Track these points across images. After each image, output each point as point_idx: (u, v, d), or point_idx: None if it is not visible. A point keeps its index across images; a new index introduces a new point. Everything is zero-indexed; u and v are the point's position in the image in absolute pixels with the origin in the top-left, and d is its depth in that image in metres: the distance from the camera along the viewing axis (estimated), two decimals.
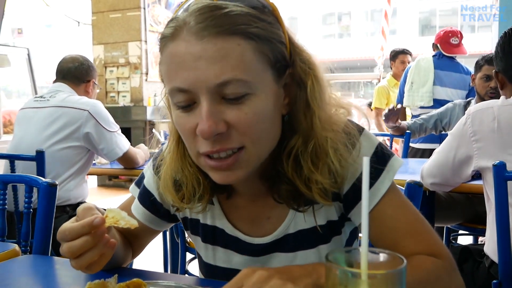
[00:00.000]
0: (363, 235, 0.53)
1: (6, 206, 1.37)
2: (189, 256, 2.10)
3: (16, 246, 1.04)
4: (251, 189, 0.83)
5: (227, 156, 0.70)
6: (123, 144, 2.26)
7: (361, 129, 0.80)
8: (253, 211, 0.85)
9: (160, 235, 2.48)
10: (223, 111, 0.68)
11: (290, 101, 0.76)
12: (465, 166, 1.56)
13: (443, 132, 2.73)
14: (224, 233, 0.87)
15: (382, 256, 0.55)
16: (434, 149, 1.77)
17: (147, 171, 0.92)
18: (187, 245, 2.07)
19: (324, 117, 0.75)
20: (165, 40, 0.71)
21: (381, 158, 0.78)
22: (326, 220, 0.82)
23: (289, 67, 0.74)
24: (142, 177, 0.94)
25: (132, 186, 0.96)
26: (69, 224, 0.72)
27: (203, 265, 0.93)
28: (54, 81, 2.36)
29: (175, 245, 2.11)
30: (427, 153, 3.12)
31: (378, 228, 0.77)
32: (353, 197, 0.79)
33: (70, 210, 2.14)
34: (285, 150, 0.76)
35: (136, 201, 0.93)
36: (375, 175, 0.77)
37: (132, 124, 5.87)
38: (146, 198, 0.91)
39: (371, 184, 0.76)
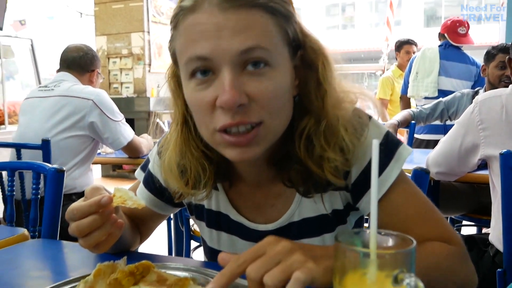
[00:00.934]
0: (372, 215, 0.53)
1: (14, 193, 1.38)
2: (193, 244, 2.12)
3: (25, 231, 1.05)
4: (257, 175, 0.83)
5: (246, 131, 0.69)
6: (127, 133, 2.26)
7: (369, 117, 0.80)
8: (258, 198, 0.85)
9: (165, 223, 2.49)
10: (245, 83, 0.68)
11: (300, 83, 0.76)
12: (472, 155, 1.56)
13: (448, 123, 2.72)
14: (229, 218, 0.87)
15: (391, 238, 0.56)
16: (438, 140, 1.77)
17: (152, 155, 0.93)
18: (191, 233, 2.08)
19: (335, 96, 0.75)
20: (184, 12, 0.69)
21: (389, 147, 0.78)
22: (332, 208, 0.82)
23: (301, 49, 0.75)
24: (148, 161, 0.94)
25: (138, 170, 0.96)
26: (77, 204, 0.73)
27: (208, 250, 0.94)
28: (58, 71, 2.36)
29: (180, 233, 2.13)
30: (431, 144, 3.11)
31: (388, 217, 0.76)
32: (361, 186, 0.78)
33: (76, 198, 2.15)
34: (297, 131, 0.76)
35: (141, 185, 0.94)
36: (383, 164, 0.76)
37: (136, 115, 5.87)
38: (151, 182, 0.92)
39: (380, 173, 0.75)
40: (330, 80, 0.75)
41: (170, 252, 2.51)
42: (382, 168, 0.76)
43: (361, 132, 0.76)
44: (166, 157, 0.82)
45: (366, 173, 0.77)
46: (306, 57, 0.75)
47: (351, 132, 0.75)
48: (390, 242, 0.55)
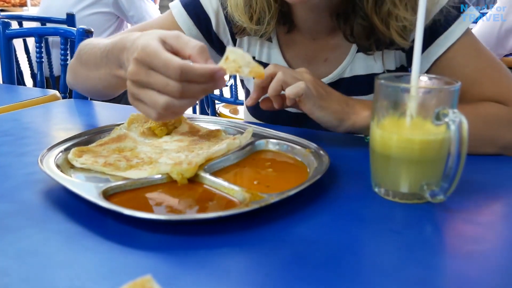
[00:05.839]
0: (416, 51, 0.50)
1: (43, 60, 1.38)
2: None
3: (56, 92, 1.07)
4: (316, 25, 0.82)
5: None
6: (152, 11, 2.21)
7: None
8: (312, 50, 0.84)
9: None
10: None
11: None
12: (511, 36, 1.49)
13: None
14: None
15: (435, 80, 0.54)
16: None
17: None
18: (217, 115, 2.11)
19: None
20: None
21: (457, 6, 0.76)
22: (384, 68, 0.82)
23: None
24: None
25: (175, 2, 0.87)
26: (185, 65, 0.53)
27: (251, 107, 0.92)
28: None
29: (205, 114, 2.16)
30: None
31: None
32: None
33: None
34: None
35: (185, 16, 0.85)
36: (448, 22, 0.74)
37: (161, 2, 5.68)
38: (201, 18, 0.85)
39: (441, 32, 0.75)
40: None
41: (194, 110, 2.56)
42: (444, 26, 0.74)
43: None
44: None
45: (426, 31, 0.73)
46: None
47: None
48: (433, 83, 0.53)
